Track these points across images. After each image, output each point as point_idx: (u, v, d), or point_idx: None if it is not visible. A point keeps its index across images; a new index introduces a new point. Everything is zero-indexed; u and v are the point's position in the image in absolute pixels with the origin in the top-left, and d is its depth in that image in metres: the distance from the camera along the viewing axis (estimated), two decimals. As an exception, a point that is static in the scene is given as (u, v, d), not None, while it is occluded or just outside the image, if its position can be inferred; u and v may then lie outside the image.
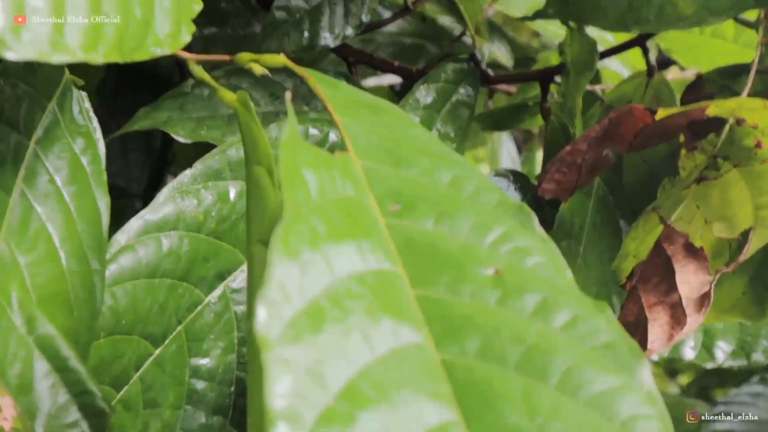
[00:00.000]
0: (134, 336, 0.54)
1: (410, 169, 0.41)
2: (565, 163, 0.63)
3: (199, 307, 0.56)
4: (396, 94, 0.99)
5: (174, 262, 0.56)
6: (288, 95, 0.37)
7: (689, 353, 0.90)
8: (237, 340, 0.56)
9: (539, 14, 0.71)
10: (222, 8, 0.83)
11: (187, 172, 0.58)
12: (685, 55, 0.85)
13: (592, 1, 0.66)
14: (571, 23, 0.72)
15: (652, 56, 0.75)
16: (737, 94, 0.68)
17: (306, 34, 0.73)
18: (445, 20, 1.02)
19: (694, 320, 0.59)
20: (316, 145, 0.60)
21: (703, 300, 0.59)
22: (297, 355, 0.29)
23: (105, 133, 0.54)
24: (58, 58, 0.38)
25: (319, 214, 0.34)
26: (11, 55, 0.37)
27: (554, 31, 0.98)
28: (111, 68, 0.89)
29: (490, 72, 0.78)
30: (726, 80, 0.71)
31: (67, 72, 0.52)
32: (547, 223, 0.69)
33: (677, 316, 0.59)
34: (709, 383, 1.37)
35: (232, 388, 0.56)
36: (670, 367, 1.47)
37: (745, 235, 0.59)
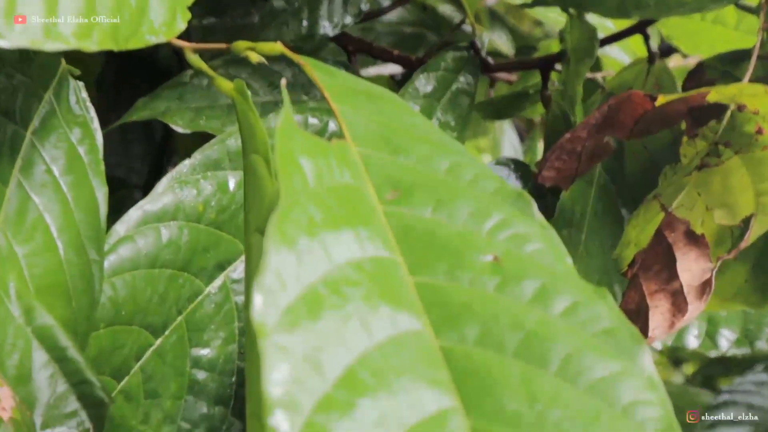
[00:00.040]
0: (134, 327, 0.54)
1: (408, 156, 0.40)
2: (565, 150, 0.63)
3: (200, 298, 0.56)
4: (396, 84, 0.99)
5: (174, 252, 0.56)
6: (283, 82, 0.37)
7: (693, 342, 0.90)
8: (238, 331, 0.56)
9: (539, 1, 0.71)
10: (221, -2, 0.83)
11: (186, 162, 0.58)
12: (686, 41, 0.84)
13: (592, -13, 0.65)
14: (571, 10, 0.72)
15: (653, 43, 0.75)
16: (738, 80, 0.68)
17: (305, 23, 0.73)
18: (446, 9, 1.01)
19: (695, 308, 0.59)
20: (316, 134, 0.60)
21: (704, 287, 0.59)
22: (294, 342, 0.29)
23: (105, 126, 0.54)
24: (51, 46, 0.38)
25: (316, 201, 0.34)
26: (4, 43, 0.36)
27: (555, 18, 0.98)
28: (111, 61, 0.89)
29: (490, 60, 0.78)
30: (727, 66, 0.71)
31: (63, 62, 0.52)
32: (548, 212, 0.69)
33: (678, 304, 0.59)
34: (713, 372, 1.37)
35: (233, 379, 0.56)
36: (674, 357, 1.46)
37: (746, 222, 0.59)
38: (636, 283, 0.60)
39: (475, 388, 0.31)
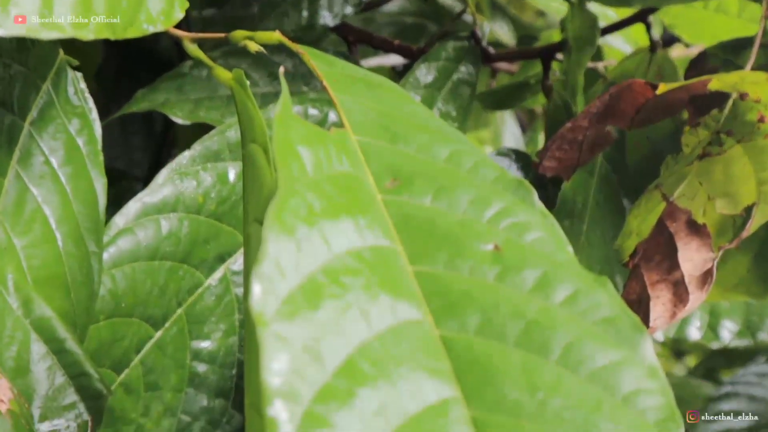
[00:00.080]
0: (134, 319, 0.54)
1: (407, 144, 0.40)
2: (565, 140, 0.63)
3: (200, 290, 0.56)
4: (398, 75, 0.98)
5: (174, 244, 0.56)
6: (281, 70, 0.36)
7: (695, 333, 0.90)
8: (238, 323, 0.56)
9: (540, -10, 0.71)
10: (221, -11, 0.83)
11: (186, 153, 0.57)
12: (689, 30, 0.84)
13: (593, -25, 0.65)
14: (573, -1, 0.72)
15: (655, 32, 0.75)
16: (741, 68, 0.68)
17: (305, 13, 0.73)
18: (446, -1, 1.01)
19: (696, 298, 0.59)
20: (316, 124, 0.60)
21: (705, 277, 0.59)
22: (294, 332, 0.29)
23: (105, 118, 0.53)
24: (47, 35, 0.38)
25: (315, 189, 0.34)
26: (0, 32, 0.36)
27: (557, 7, 0.98)
28: (111, 52, 0.89)
29: (491, 50, 0.78)
30: (729, 54, 0.71)
31: (61, 52, 0.52)
32: (549, 202, 0.69)
33: (680, 294, 0.58)
34: (715, 364, 1.36)
35: (234, 371, 0.56)
36: (676, 349, 1.46)
37: (748, 212, 0.59)
38: (637, 273, 0.60)
39: (475, 378, 0.31)
